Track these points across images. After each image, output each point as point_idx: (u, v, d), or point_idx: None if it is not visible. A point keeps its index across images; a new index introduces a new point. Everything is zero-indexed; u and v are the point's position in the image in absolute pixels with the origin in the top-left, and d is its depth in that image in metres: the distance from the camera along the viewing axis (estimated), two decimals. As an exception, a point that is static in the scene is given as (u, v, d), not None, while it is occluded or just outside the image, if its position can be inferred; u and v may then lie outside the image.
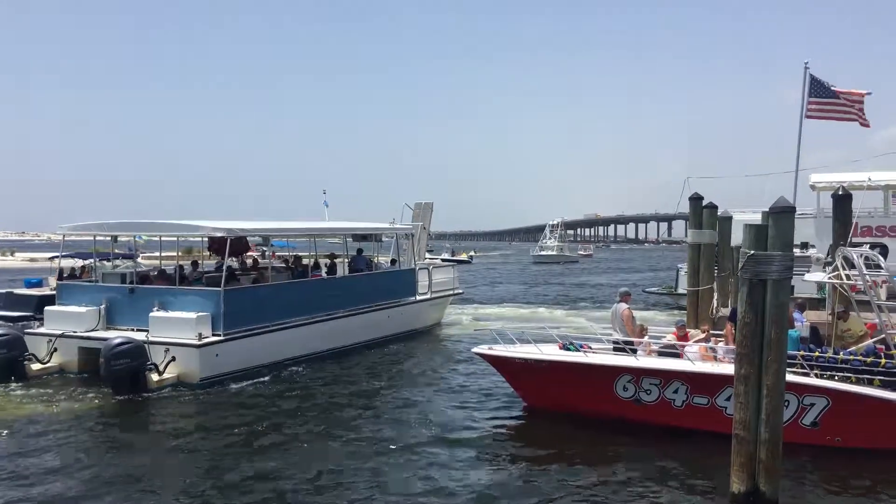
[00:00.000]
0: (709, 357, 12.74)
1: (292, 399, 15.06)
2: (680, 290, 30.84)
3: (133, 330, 16.62)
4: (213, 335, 16.34)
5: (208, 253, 22.68)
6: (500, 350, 14.01)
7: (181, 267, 20.39)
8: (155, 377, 15.41)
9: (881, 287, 15.69)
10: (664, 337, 14.06)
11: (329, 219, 25.34)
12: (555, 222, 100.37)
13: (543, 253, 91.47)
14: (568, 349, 13.64)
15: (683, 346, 12.89)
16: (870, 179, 23.47)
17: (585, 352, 13.49)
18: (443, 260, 34.07)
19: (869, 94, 14.80)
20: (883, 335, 12.09)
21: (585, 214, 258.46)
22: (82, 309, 17.25)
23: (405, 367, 18.80)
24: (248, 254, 23.96)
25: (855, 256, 12.08)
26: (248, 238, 20.74)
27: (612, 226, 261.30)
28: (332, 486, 10.19)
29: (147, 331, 16.37)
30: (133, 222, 19.03)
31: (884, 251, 17.75)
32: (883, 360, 11.43)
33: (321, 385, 16.43)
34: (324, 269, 22.23)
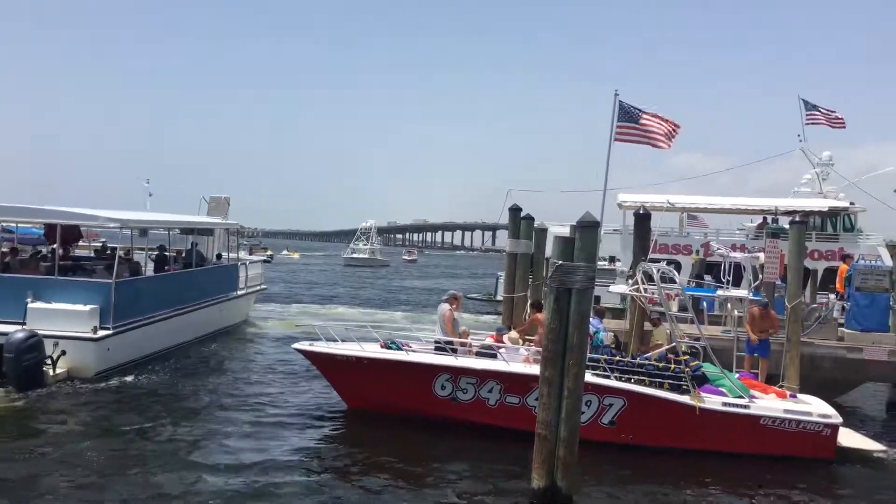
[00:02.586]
0: (531, 361, 13.32)
1: (176, 394, 15.05)
2: (499, 297, 32.09)
3: None
4: (102, 328, 15.75)
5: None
6: (321, 347, 13.93)
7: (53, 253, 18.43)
8: (50, 372, 14.76)
9: (674, 300, 17.21)
10: (484, 340, 14.59)
11: (150, 210, 24.73)
12: (367, 225, 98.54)
13: (355, 256, 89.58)
14: (390, 348, 13.82)
15: (500, 348, 13.45)
16: (668, 202, 25.68)
17: (406, 350, 13.74)
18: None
19: (677, 126, 16.14)
20: (673, 343, 13.29)
21: (415, 219, 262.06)
22: None
23: (231, 363, 18.89)
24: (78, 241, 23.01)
25: (653, 271, 13.18)
26: (80, 227, 20.06)
27: (440, 232, 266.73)
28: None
29: (23, 323, 15.26)
30: (13, 206, 17.33)
31: (678, 267, 19.49)
32: (672, 366, 12.58)
33: (186, 378, 16.56)
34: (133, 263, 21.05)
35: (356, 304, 37.83)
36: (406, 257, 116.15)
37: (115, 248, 22.32)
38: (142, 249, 22.07)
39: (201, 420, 13.25)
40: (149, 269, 20.26)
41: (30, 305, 15.58)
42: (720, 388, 12.67)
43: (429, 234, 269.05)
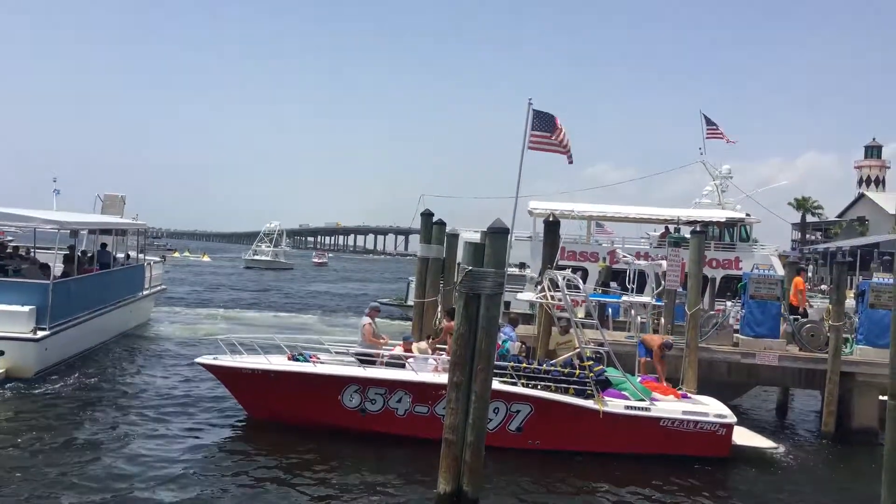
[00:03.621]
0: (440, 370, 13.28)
1: (97, 400, 14.78)
2: (410, 302, 32.06)
3: None
4: (40, 328, 15.81)
5: None
6: (226, 360, 13.50)
7: None
8: None
9: (580, 306, 17.59)
10: (394, 348, 14.51)
11: (57, 209, 23.99)
12: (271, 226, 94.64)
13: (257, 258, 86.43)
14: (297, 360, 13.54)
15: (409, 357, 13.42)
16: (574, 210, 26.29)
17: (314, 362, 13.51)
18: None
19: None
20: (578, 349, 13.58)
21: (327, 223, 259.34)
22: None
23: (139, 368, 18.63)
24: None
25: (559, 278, 13.42)
26: None
27: (353, 236, 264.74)
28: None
29: None
30: None
31: (584, 275, 19.94)
32: (577, 371, 12.85)
33: (104, 382, 16.41)
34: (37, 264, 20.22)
35: (263, 309, 37.16)
36: (316, 260, 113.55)
37: (17, 247, 21.74)
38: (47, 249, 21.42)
39: (115, 429, 12.92)
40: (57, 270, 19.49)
41: None
42: (623, 392, 13.03)
43: (341, 238, 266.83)
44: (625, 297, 17.27)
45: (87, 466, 10.82)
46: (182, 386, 16.60)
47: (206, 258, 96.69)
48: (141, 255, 26.57)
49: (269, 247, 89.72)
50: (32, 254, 21.25)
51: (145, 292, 25.46)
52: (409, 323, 25.44)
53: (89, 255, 21.90)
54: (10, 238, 23.41)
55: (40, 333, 15.72)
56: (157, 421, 13.52)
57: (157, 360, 19.97)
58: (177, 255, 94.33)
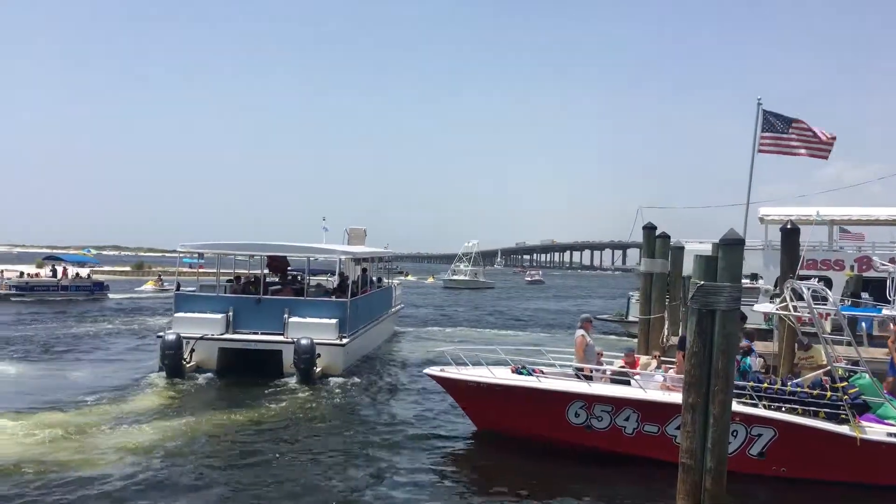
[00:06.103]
0: (666, 387, 12.72)
1: (356, 402, 17.06)
2: (631, 318, 31.12)
3: (257, 333, 19.39)
4: (342, 336, 19.60)
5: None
6: (452, 372, 13.86)
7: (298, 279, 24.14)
8: (316, 370, 18.41)
9: (827, 320, 15.97)
10: (614, 363, 14.07)
11: (326, 242, 28.44)
12: (469, 245, 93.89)
13: (455, 278, 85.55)
14: (520, 373, 13.54)
15: (635, 374, 12.91)
16: (818, 214, 24.09)
17: (538, 377, 13.43)
18: None
19: (833, 137, 15.16)
20: (829, 367, 12.27)
21: (542, 240, 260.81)
22: (217, 315, 19.50)
23: (384, 377, 20.61)
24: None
25: (803, 289, 12.23)
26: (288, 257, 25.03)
27: (568, 252, 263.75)
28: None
29: (281, 334, 19.17)
30: (277, 244, 22.20)
31: (828, 284, 18.12)
32: (829, 394, 11.60)
33: (361, 387, 18.73)
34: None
35: (483, 326, 38.00)
36: (528, 278, 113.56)
37: (298, 274, 26.16)
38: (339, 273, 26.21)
39: (365, 431, 14.28)
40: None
41: (289, 320, 19.24)
42: (885, 419, 11.58)
43: (556, 255, 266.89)
44: (885, 310, 15.35)
45: (341, 458, 12.38)
46: (406, 395, 17.83)
47: (431, 280, 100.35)
48: (388, 280, 31.01)
49: (466, 266, 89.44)
50: (301, 278, 25.24)
51: (392, 310, 29.36)
52: (630, 339, 24.66)
53: (354, 279, 24.63)
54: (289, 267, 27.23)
55: (344, 340, 19.48)
56: (397, 424, 14.67)
57: (401, 370, 21.82)
58: (410, 277, 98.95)
